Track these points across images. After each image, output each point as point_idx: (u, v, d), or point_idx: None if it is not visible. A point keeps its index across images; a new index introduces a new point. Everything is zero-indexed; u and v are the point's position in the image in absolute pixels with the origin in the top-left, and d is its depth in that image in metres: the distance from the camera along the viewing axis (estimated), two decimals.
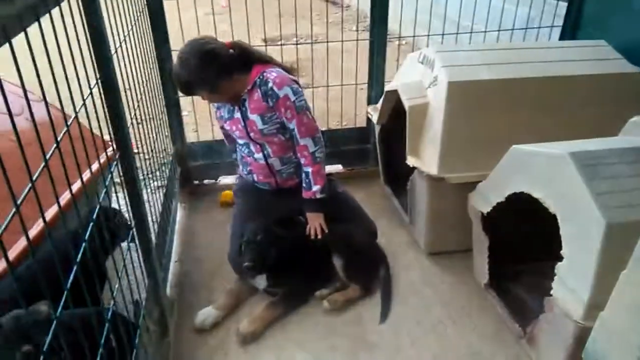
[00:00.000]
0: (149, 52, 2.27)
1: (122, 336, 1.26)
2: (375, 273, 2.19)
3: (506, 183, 1.80)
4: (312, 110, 2.18)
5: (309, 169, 2.12)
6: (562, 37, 2.86)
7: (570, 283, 1.48)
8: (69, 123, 1.02)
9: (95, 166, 1.49)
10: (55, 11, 0.98)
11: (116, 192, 1.72)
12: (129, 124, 1.45)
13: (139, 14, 2.11)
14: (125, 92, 1.58)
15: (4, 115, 0.80)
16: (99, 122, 1.28)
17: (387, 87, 2.54)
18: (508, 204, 1.80)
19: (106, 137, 1.38)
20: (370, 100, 2.89)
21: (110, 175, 1.38)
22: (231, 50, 2.01)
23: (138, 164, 1.73)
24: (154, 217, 1.91)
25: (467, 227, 2.10)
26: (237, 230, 2.17)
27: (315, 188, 2.14)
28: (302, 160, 2.13)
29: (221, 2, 6.32)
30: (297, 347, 1.89)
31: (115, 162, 1.39)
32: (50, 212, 1.48)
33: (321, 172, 2.15)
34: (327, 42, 2.67)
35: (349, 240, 2.16)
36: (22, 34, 0.81)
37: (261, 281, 2.07)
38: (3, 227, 0.73)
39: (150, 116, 2.11)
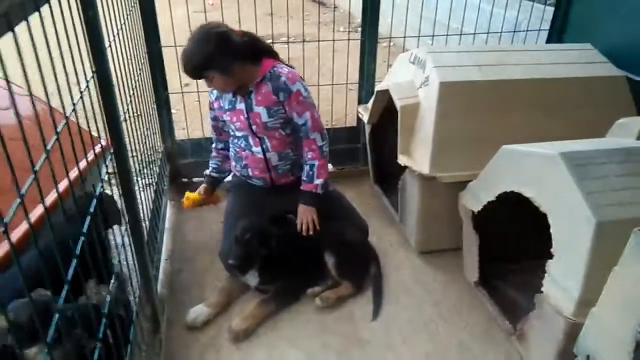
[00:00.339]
0: (140, 48, 2.25)
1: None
2: (366, 271, 2.20)
3: (497, 182, 1.83)
4: None
5: (316, 162, 2.14)
6: (549, 40, 2.92)
7: (561, 280, 1.51)
8: (65, 119, 1.00)
9: (82, 164, 1.47)
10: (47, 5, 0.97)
11: (110, 187, 1.70)
12: (122, 119, 1.44)
13: (131, 8, 2.08)
14: (118, 88, 1.56)
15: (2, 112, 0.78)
16: (87, 117, 1.26)
17: (378, 87, 2.56)
18: (498, 203, 1.82)
19: (94, 134, 1.36)
20: (361, 100, 2.90)
21: (105, 169, 1.36)
22: (244, 39, 2.02)
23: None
24: (144, 215, 1.88)
25: (458, 226, 2.12)
26: (230, 227, 2.16)
27: (318, 181, 2.15)
28: (310, 155, 2.15)
29: (209, 0, 6.28)
30: (289, 345, 1.89)
31: (109, 157, 1.37)
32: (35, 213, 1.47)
33: (326, 167, 2.19)
34: (319, 41, 2.68)
35: (341, 238, 2.17)
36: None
37: (253, 279, 2.07)
38: (3, 227, 0.72)
39: (139, 113, 2.08)
